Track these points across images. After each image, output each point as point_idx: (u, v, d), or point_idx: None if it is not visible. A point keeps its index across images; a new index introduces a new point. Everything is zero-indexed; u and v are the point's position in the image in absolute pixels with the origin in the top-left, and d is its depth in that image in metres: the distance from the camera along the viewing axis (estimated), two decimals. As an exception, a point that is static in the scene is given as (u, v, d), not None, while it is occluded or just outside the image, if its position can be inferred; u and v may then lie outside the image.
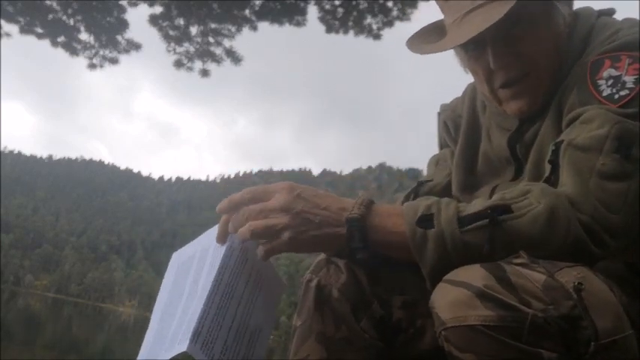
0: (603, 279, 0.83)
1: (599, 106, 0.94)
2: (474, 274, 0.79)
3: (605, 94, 0.95)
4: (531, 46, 1.04)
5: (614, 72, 0.96)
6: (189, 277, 0.95)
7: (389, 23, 9.69)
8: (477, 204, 0.87)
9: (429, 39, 1.13)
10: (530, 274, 0.79)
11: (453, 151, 1.29)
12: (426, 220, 0.85)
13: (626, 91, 0.93)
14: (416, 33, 1.17)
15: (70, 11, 9.73)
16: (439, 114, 1.35)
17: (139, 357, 0.91)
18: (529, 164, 1.09)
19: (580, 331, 0.76)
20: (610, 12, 1.13)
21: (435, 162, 1.35)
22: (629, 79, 0.94)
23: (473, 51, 1.08)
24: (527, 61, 1.04)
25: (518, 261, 0.81)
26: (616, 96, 0.94)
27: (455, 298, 0.79)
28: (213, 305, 0.85)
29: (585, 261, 0.84)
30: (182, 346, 0.81)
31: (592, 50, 1.02)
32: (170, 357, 0.83)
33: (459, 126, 1.27)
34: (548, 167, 0.95)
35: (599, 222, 0.86)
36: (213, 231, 0.96)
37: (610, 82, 0.95)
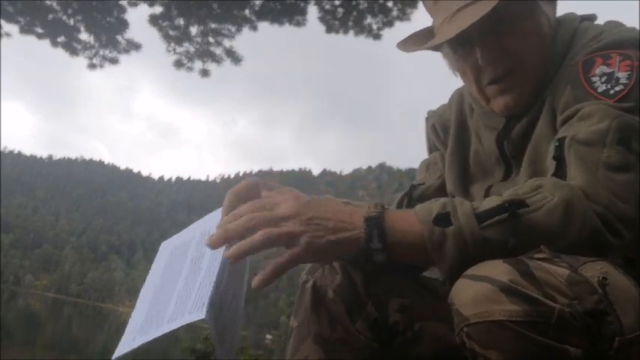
0: (624, 274, 0.82)
1: (597, 102, 0.96)
2: (498, 269, 0.78)
3: (600, 90, 0.97)
4: (517, 43, 1.07)
5: (606, 69, 0.98)
6: (187, 259, 0.95)
7: (389, 23, 9.69)
8: (491, 200, 0.86)
9: (418, 41, 1.16)
10: (554, 269, 0.77)
11: (443, 154, 1.31)
12: (442, 219, 0.84)
13: (621, 87, 0.95)
14: (406, 37, 1.20)
15: (70, 11, 9.72)
16: (427, 119, 1.37)
17: (124, 340, 0.89)
18: (525, 163, 1.10)
19: (605, 327, 0.75)
20: (592, 17, 1.16)
21: (426, 166, 1.37)
22: (622, 75, 0.96)
23: (461, 50, 1.11)
24: (514, 58, 1.07)
25: (540, 256, 0.80)
26: (611, 91, 0.96)
27: (478, 293, 0.77)
28: (221, 280, 0.86)
29: (603, 253, 0.85)
30: (198, 315, 0.80)
31: (577, 52, 1.05)
32: (178, 326, 0.82)
33: (448, 129, 1.29)
34: (552, 164, 0.96)
35: (613, 212, 0.86)
36: (214, 215, 0.96)
37: (604, 78, 0.97)
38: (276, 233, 0.83)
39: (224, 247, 0.87)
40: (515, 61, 1.07)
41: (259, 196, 0.92)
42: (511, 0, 1.03)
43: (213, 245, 0.87)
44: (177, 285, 0.91)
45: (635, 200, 0.89)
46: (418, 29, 1.21)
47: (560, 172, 0.93)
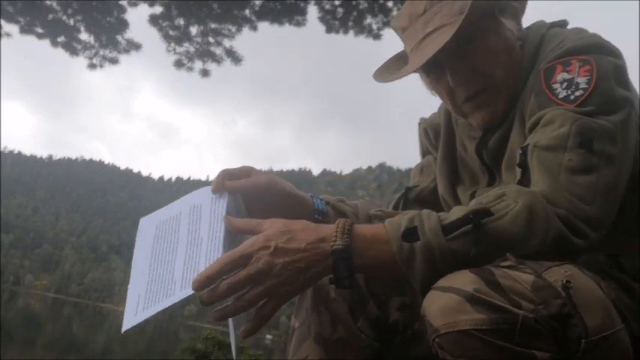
0: (591, 275, 0.84)
1: (558, 108, 0.99)
2: (464, 279, 0.80)
3: (561, 96, 1.00)
4: (485, 61, 1.11)
5: (566, 75, 1.01)
6: (180, 232, 0.99)
7: (389, 23, 9.67)
8: (457, 211, 0.87)
9: (393, 68, 1.22)
10: (519, 276, 0.79)
11: (436, 157, 1.35)
12: (410, 234, 0.86)
13: (581, 92, 0.98)
14: (382, 64, 1.24)
15: (70, 11, 9.71)
16: (419, 124, 1.41)
17: (129, 314, 0.91)
18: (503, 172, 1.14)
19: (570, 329, 0.76)
20: (562, 23, 1.19)
21: (420, 169, 1.41)
22: (581, 81, 0.99)
23: (433, 74, 1.16)
24: (483, 76, 1.11)
25: (506, 263, 0.81)
26: (572, 97, 0.98)
27: (445, 304, 0.79)
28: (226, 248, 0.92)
29: (569, 255, 0.86)
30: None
31: (543, 59, 1.09)
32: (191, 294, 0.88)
33: (439, 134, 1.34)
34: (518, 171, 0.98)
35: (575, 214, 0.88)
36: (203, 192, 1.03)
37: (564, 85, 1.01)
38: (258, 294, 0.87)
39: (222, 219, 0.95)
40: (485, 79, 1.11)
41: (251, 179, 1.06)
42: (472, 22, 1.07)
43: (205, 305, 0.90)
44: (177, 257, 0.94)
45: (600, 200, 0.90)
46: (390, 56, 1.26)
47: (525, 179, 0.95)
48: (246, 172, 1.07)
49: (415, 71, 1.19)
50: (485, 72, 1.11)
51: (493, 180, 1.19)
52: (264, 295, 0.87)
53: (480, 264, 0.82)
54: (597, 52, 1.02)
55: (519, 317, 0.75)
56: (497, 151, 1.15)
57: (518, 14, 1.19)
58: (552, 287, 0.78)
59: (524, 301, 0.76)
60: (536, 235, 0.85)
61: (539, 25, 1.19)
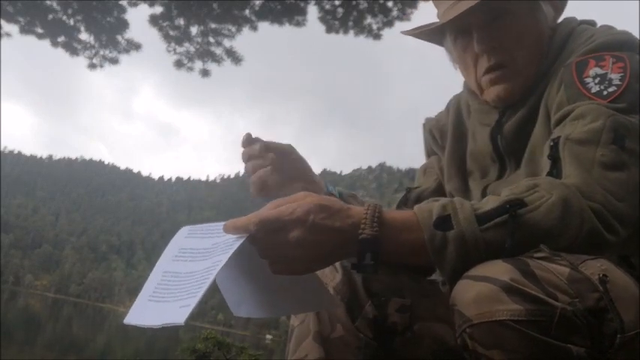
0: (624, 271, 0.82)
1: (590, 102, 0.98)
2: (498, 269, 0.78)
3: (593, 90, 0.99)
4: (513, 37, 1.12)
5: (599, 70, 1.00)
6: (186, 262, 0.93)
7: (389, 23, 9.69)
8: (490, 201, 0.86)
9: (423, 34, 1.23)
10: (554, 267, 0.77)
11: (440, 157, 1.35)
12: (443, 222, 0.83)
13: (614, 88, 0.97)
14: (413, 28, 1.25)
15: (70, 11, 9.72)
16: (424, 125, 1.41)
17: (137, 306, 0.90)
18: (523, 163, 1.12)
19: (606, 324, 0.74)
20: (591, 22, 1.19)
21: (423, 170, 1.41)
22: (615, 77, 0.98)
23: (461, 40, 1.17)
24: (508, 50, 1.12)
25: (540, 255, 0.79)
26: (605, 92, 0.97)
27: (480, 294, 0.77)
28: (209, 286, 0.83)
29: (600, 249, 0.85)
30: (179, 321, 0.80)
31: (570, 53, 1.09)
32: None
33: (445, 133, 1.34)
34: (547, 163, 0.97)
35: (608, 209, 0.86)
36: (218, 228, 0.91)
37: (597, 79, 1.00)
38: (273, 265, 0.86)
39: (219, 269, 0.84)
40: (511, 54, 1.12)
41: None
42: None
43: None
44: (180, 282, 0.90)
45: (630, 199, 0.89)
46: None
47: (555, 171, 0.94)
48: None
49: (441, 43, 1.22)
50: (511, 48, 1.12)
51: (503, 170, 1.18)
52: (279, 265, 0.85)
53: (513, 255, 0.80)
54: (630, 50, 1.02)
55: (557, 310, 0.73)
56: (513, 137, 1.15)
57: (558, 7, 1.19)
58: (589, 280, 0.76)
59: (560, 293, 0.75)
60: (570, 228, 0.83)
61: (569, 20, 1.20)
